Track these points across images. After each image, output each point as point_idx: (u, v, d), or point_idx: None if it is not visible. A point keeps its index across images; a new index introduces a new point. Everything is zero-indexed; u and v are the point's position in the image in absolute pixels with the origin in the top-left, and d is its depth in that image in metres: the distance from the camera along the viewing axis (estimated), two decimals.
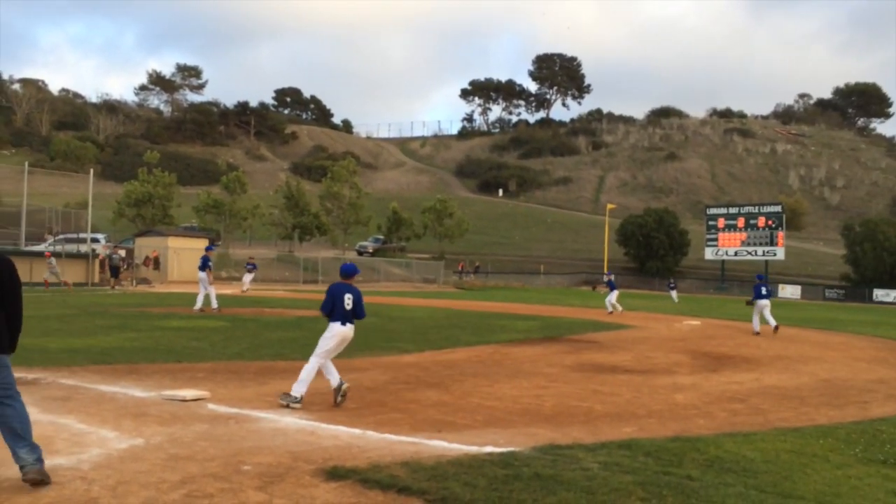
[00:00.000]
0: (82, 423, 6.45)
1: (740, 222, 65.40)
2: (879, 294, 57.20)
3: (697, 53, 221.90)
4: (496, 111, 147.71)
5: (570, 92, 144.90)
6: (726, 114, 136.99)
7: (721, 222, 66.70)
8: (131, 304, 22.59)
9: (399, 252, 62.38)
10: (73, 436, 5.97)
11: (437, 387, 9.33)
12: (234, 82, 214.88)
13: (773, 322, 19.68)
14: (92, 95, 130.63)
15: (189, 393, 7.79)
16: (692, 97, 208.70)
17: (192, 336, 13.68)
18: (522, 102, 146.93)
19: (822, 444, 6.64)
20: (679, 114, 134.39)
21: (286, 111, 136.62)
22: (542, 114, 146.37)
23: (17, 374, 8.68)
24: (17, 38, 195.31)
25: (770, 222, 63.77)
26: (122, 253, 37.46)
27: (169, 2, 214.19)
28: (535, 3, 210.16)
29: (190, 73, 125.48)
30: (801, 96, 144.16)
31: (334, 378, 7.76)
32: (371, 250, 61.61)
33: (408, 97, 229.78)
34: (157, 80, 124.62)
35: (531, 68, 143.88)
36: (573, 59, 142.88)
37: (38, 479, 4.60)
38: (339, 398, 7.70)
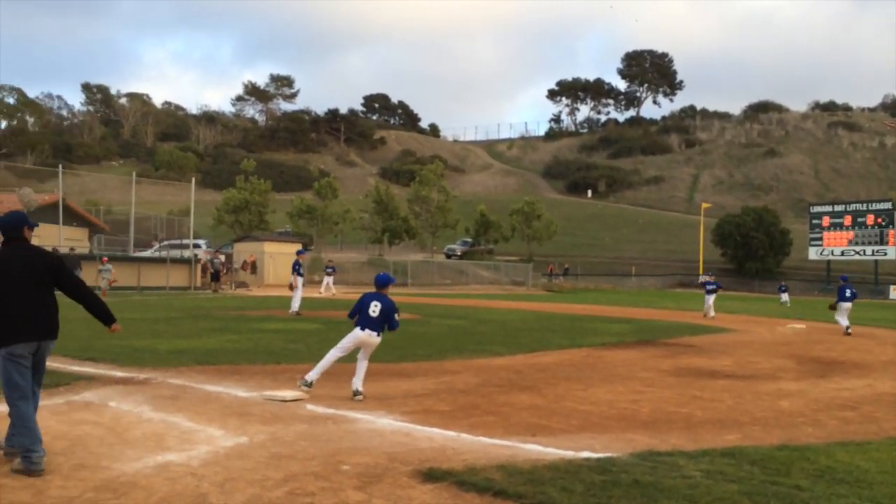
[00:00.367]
0: (190, 421, 6.73)
1: (847, 220, 62.28)
2: None
3: (796, 44, 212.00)
4: (584, 111, 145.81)
5: (661, 89, 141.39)
6: (830, 107, 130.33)
7: (826, 220, 63.68)
8: (231, 307, 23.49)
9: (487, 254, 62.41)
10: (183, 433, 6.24)
11: (530, 390, 9.26)
12: (325, 90, 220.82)
13: (844, 323, 19.23)
14: (192, 107, 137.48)
15: (289, 394, 8.03)
16: (792, 90, 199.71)
17: (289, 338, 14.09)
18: (611, 101, 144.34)
19: None
20: (778, 108, 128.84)
21: (374, 117, 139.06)
22: (631, 112, 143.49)
23: (131, 373, 9.21)
24: (123, 56, 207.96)
25: (879, 220, 60.48)
26: (222, 258, 39.01)
27: (262, 15, 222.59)
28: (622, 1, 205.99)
29: (283, 82, 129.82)
30: None
31: (356, 382, 8.19)
32: (459, 253, 61.87)
33: (494, 99, 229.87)
34: (253, 91, 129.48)
35: (620, 66, 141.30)
36: (664, 55, 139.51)
37: None
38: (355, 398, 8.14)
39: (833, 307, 20.25)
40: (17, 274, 5.19)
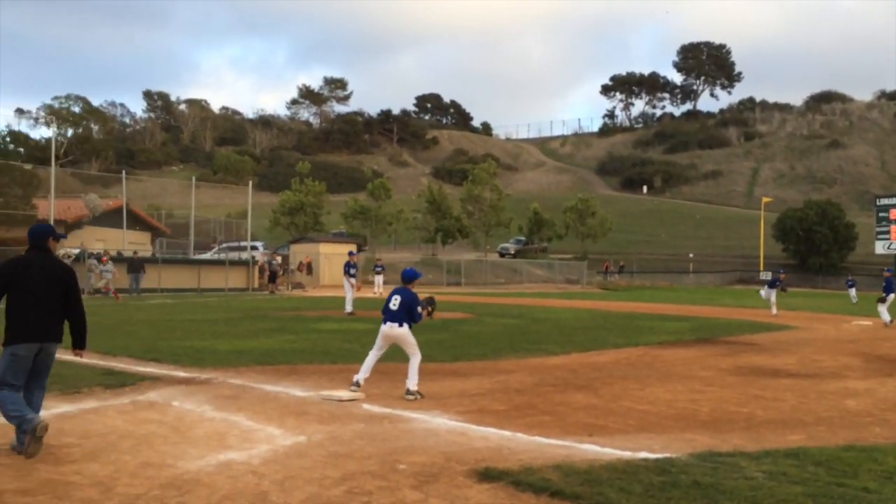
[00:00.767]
0: (250, 420, 6.88)
1: None
2: None
3: (859, 33, 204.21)
4: (639, 106, 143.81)
5: (718, 81, 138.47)
6: None
7: (893, 213, 61.20)
8: (287, 307, 23.90)
9: (541, 253, 62.00)
10: (243, 432, 6.39)
11: (586, 389, 9.18)
12: (377, 92, 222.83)
13: (887, 318, 18.86)
14: (248, 112, 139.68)
15: (345, 393, 8.13)
16: (856, 80, 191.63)
17: (344, 338, 14.24)
18: (667, 95, 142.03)
19: None
20: (842, 98, 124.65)
21: (427, 117, 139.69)
22: (688, 106, 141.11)
23: (193, 373, 9.46)
24: (182, 63, 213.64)
25: None
26: (279, 259, 39.70)
27: (315, 19, 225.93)
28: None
29: (336, 85, 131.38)
30: None
31: (407, 382, 8.24)
32: (513, 252, 61.62)
33: (546, 96, 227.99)
34: (307, 94, 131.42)
35: (676, 59, 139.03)
36: (722, 46, 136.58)
37: None
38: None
39: (882, 300, 19.49)
40: (36, 282, 5.64)
